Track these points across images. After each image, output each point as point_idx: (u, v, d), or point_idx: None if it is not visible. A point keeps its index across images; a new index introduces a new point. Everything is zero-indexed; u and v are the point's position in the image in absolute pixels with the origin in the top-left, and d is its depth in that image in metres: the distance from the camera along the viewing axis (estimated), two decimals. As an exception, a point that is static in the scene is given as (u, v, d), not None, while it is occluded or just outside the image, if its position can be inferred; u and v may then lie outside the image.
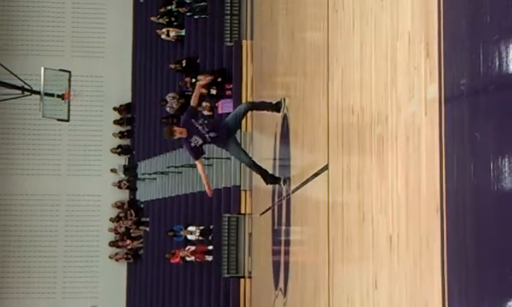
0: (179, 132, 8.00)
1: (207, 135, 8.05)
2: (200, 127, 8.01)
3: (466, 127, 3.00)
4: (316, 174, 6.38)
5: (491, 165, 2.75)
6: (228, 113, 15.95)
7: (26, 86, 15.66)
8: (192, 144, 8.07)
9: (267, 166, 9.31)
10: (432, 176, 3.27)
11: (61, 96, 16.49)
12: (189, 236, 17.11)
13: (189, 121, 8.04)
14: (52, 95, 16.39)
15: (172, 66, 18.22)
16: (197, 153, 8.18)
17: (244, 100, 15.30)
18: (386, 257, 4.04)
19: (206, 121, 8.29)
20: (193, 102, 8.26)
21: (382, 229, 4.16)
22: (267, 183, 8.84)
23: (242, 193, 15.19)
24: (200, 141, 8.05)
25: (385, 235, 4.07)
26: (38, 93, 15.98)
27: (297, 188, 7.57)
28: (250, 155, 9.52)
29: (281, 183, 8.56)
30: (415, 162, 3.56)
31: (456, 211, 3.09)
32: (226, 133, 8.27)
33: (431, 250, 3.31)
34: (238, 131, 9.77)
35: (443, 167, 3.17)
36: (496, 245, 2.73)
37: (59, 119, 17.05)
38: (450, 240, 3.13)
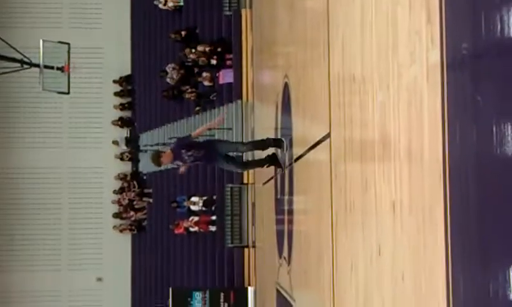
0: (166, 158, 8.18)
1: (189, 163, 8.37)
2: (186, 157, 8.18)
3: (469, 92, 2.98)
4: (318, 143, 6.37)
5: (494, 130, 2.74)
6: (230, 83, 15.95)
7: (25, 59, 15.59)
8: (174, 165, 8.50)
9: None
10: (435, 141, 3.27)
11: (61, 69, 16.44)
12: (193, 207, 17.18)
13: (178, 150, 8.18)
14: (51, 68, 16.32)
15: (172, 36, 18.11)
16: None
17: (244, 70, 15.24)
18: (390, 224, 4.05)
19: (195, 155, 8.24)
20: (195, 133, 8.55)
21: (385, 196, 4.17)
22: (267, 167, 9.03)
23: (245, 163, 15.18)
24: (181, 164, 8.35)
25: (388, 201, 4.08)
26: (38, 65, 15.92)
27: (300, 157, 7.57)
28: (239, 159, 9.76)
29: (280, 165, 8.71)
30: (418, 127, 3.55)
31: (459, 176, 3.09)
32: (213, 158, 8.48)
33: (434, 216, 3.32)
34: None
35: (446, 132, 3.17)
36: (500, 210, 2.73)
37: (59, 92, 17.01)
38: (454, 206, 3.14)
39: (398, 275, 3.89)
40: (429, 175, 3.39)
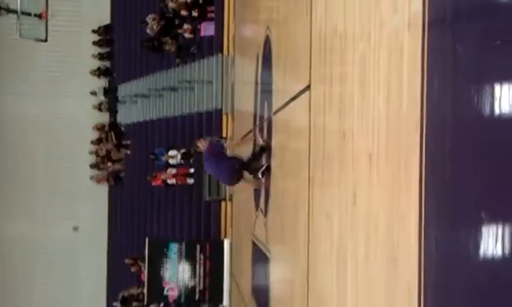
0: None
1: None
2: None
3: (449, 42, 2.99)
4: (298, 95, 6.38)
5: (472, 80, 2.77)
6: (211, 36, 15.78)
7: (2, 5, 15.28)
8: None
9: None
10: (414, 92, 3.29)
11: (39, 16, 16.15)
12: (171, 161, 17.16)
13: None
14: (29, 14, 16.03)
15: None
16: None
17: (226, 23, 15.09)
18: (366, 174, 4.10)
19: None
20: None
21: (362, 147, 4.21)
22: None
23: (224, 116, 15.19)
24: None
25: (365, 152, 4.12)
26: (15, 11, 15.63)
27: (279, 109, 7.57)
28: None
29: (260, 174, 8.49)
30: (397, 78, 3.57)
31: (436, 127, 3.12)
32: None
33: (409, 166, 3.36)
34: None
35: (425, 82, 3.19)
36: (475, 162, 2.77)
37: (36, 40, 16.75)
38: (429, 156, 3.17)
39: (372, 224, 3.95)
40: (406, 125, 3.42)
